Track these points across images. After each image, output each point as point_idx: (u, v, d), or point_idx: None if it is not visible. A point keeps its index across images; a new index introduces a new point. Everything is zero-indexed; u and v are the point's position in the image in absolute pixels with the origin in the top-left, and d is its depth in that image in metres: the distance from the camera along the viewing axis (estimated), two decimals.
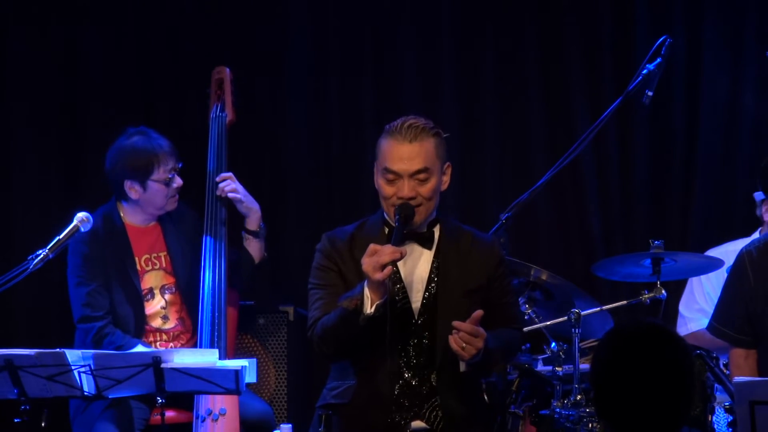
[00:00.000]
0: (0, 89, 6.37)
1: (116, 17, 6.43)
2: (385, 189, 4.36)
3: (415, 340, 4.35)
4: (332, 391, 4.43)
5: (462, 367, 4.28)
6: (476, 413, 4.40)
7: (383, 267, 4.11)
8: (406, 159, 4.32)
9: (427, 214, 4.39)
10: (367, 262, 4.13)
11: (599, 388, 3.08)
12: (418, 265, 4.40)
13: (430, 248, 4.41)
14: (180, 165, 5.32)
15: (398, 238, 4.24)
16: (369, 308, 4.15)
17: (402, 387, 4.32)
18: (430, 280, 4.38)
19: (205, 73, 5.78)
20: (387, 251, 4.13)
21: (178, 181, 5.29)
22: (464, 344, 4.16)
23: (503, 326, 4.46)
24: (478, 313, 4.20)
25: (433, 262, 4.40)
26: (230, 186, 5.37)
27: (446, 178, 4.44)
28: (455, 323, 4.18)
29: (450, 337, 4.18)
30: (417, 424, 4.33)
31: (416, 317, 4.36)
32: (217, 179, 5.40)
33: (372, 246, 4.17)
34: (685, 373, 3.06)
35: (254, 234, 5.43)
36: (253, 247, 5.45)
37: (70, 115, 6.41)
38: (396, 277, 4.35)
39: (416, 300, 4.37)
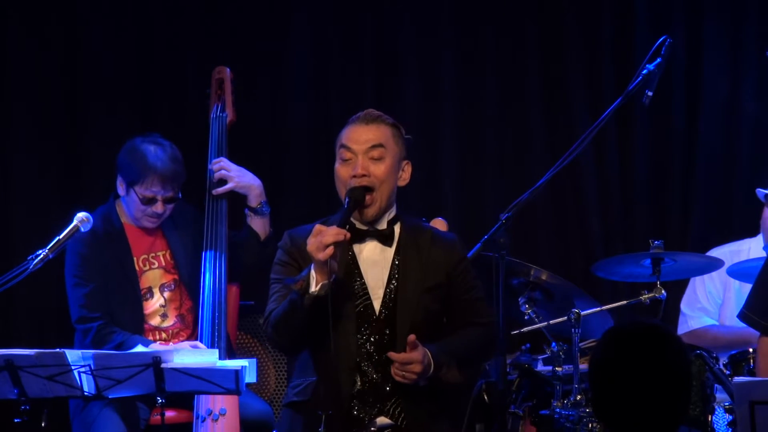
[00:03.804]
0: (0, 88, 6.37)
1: (117, 17, 6.43)
2: (340, 171, 4.43)
3: (376, 337, 4.37)
4: (294, 389, 4.49)
5: (421, 381, 4.29)
6: (440, 410, 4.41)
7: (327, 247, 4.15)
8: (361, 136, 4.41)
9: (382, 204, 4.41)
10: (311, 242, 4.20)
11: (597, 389, 3.09)
12: (378, 262, 4.43)
13: (390, 245, 4.45)
14: (179, 195, 5.27)
15: (344, 220, 4.28)
16: (314, 287, 4.19)
17: (365, 383, 4.34)
18: (390, 277, 4.42)
19: (205, 73, 5.78)
20: (331, 232, 4.19)
21: (158, 208, 5.24)
22: (402, 373, 4.23)
23: (468, 323, 4.47)
24: (411, 337, 4.24)
25: (393, 259, 4.44)
26: (220, 173, 5.40)
27: (405, 176, 4.48)
28: (389, 354, 4.26)
29: (391, 369, 4.26)
30: (381, 420, 4.35)
31: (377, 314, 4.39)
32: (210, 165, 5.43)
33: (317, 227, 4.24)
34: (682, 373, 3.06)
35: (254, 211, 5.45)
36: (256, 224, 5.46)
37: (70, 115, 6.41)
38: (356, 273, 4.40)
39: (377, 297, 4.40)
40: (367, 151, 4.39)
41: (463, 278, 4.49)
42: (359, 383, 4.34)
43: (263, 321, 4.44)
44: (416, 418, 4.34)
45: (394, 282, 4.41)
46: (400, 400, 4.34)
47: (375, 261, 4.43)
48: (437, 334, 4.43)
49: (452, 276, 4.47)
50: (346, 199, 4.35)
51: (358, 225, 4.43)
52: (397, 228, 4.47)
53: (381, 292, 4.40)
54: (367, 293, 4.40)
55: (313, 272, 4.22)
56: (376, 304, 4.40)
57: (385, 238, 4.45)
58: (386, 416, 4.34)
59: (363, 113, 4.46)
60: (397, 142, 4.45)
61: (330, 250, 4.16)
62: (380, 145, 4.40)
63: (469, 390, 5.05)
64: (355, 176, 4.37)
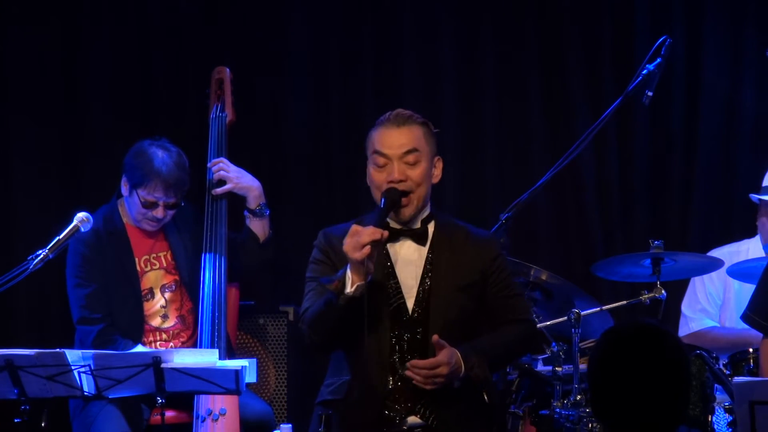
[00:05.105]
0: (0, 89, 6.37)
1: (117, 17, 6.43)
2: (376, 176, 4.41)
3: (409, 336, 4.37)
4: (328, 388, 4.47)
5: (455, 384, 4.30)
6: (471, 410, 4.41)
7: (363, 247, 4.15)
8: (395, 141, 4.39)
9: (418, 204, 4.41)
10: (348, 242, 4.19)
11: (595, 389, 3.09)
12: (412, 261, 4.43)
13: (424, 244, 4.45)
14: (181, 203, 5.28)
15: (381, 220, 4.28)
16: (349, 288, 4.19)
17: (397, 382, 4.34)
18: (423, 276, 4.41)
19: (205, 73, 5.78)
20: (367, 231, 4.18)
21: (159, 212, 5.24)
22: (427, 381, 4.23)
23: (506, 320, 4.47)
24: (434, 337, 4.25)
25: (426, 257, 4.43)
26: (220, 173, 5.41)
27: (437, 172, 4.48)
28: (412, 362, 4.25)
29: (409, 374, 4.25)
30: (412, 419, 4.35)
31: (410, 313, 4.39)
32: (209, 165, 5.42)
33: (354, 227, 4.23)
34: (680, 373, 3.05)
35: (253, 213, 5.45)
36: (255, 226, 5.46)
37: (70, 115, 6.41)
38: (390, 272, 4.39)
39: (410, 296, 4.40)
40: (402, 156, 4.38)
41: (498, 275, 4.48)
42: (391, 382, 4.34)
43: (298, 318, 4.46)
44: (447, 418, 4.34)
45: (427, 281, 4.41)
46: (431, 399, 4.33)
47: (408, 260, 4.43)
48: (472, 332, 4.43)
49: (487, 274, 4.46)
50: (383, 200, 4.34)
51: (392, 224, 4.43)
52: (431, 227, 4.47)
53: (414, 291, 4.40)
54: (401, 292, 4.40)
55: (349, 273, 4.22)
56: (409, 303, 4.39)
57: (418, 237, 4.44)
58: (417, 416, 4.35)
59: (393, 114, 4.44)
60: (428, 142, 4.45)
61: (367, 249, 4.16)
62: (415, 150, 4.39)
63: (504, 391, 5.07)
64: (392, 181, 4.36)
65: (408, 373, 4.25)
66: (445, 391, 4.30)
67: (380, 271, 4.36)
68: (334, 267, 4.42)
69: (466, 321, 4.43)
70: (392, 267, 4.41)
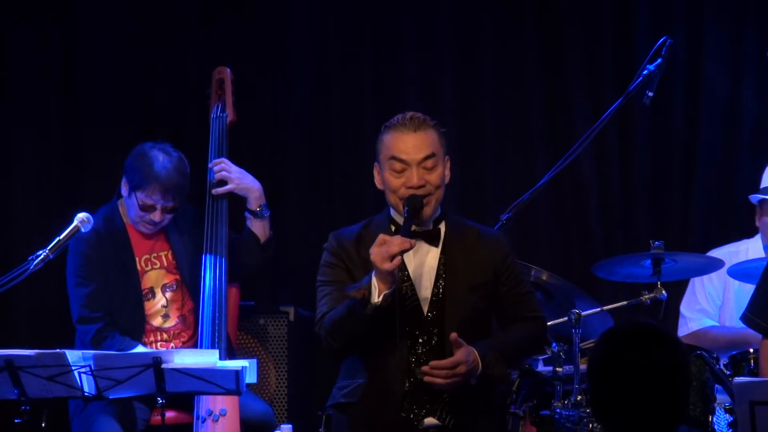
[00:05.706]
0: (0, 89, 6.37)
1: (117, 17, 6.43)
2: (393, 182, 4.39)
3: (425, 337, 4.38)
4: (342, 390, 4.47)
5: (472, 380, 4.31)
6: (487, 411, 4.42)
7: (392, 257, 4.14)
8: (412, 147, 4.38)
9: (436, 206, 4.43)
10: (376, 252, 4.17)
11: (595, 389, 3.09)
12: (425, 262, 4.43)
13: (436, 245, 4.45)
14: (179, 207, 5.28)
15: (407, 230, 4.27)
16: (376, 297, 4.18)
17: (413, 384, 4.34)
18: (437, 277, 4.42)
19: (205, 74, 5.78)
20: (396, 241, 4.17)
21: (156, 216, 5.24)
22: (447, 381, 4.24)
23: (518, 318, 4.49)
24: (452, 335, 4.25)
25: (440, 258, 4.44)
26: (221, 174, 5.40)
27: (447, 172, 4.49)
28: (432, 363, 4.24)
29: (428, 380, 4.25)
30: (429, 420, 4.36)
31: (425, 314, 4.39)
32: (210, 165, 5.42)
33: (381, 236, 4.22)
34: (680, 373, 3.05)
35: (254, 214, 5.45)
36: (256, 227, 5.46)
37: (70, 115, 6.41)
38: (404, 274, 4.39)
39: (424, 297, 4.40)
40: (420, 161, 4.38)
41: (509, 274, 4.50)
42: (407, 384, 4.35)
43: (315, 323, 4.43)
44: (463, 418, 4.35)
45: (441, 282, 4.41)
46: (447, 400, 4.34)
47: (421, 262, 4.43)
48: (485, 331, 4.45)
49: (499, 273, 4.47)
50: (405, 209, 4.33)
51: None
52: (442, 227, 4.47)
53: (428, 293, 4.40)
54: (415, 294, 4.40)
55: (374, 281, 4.20)
56: (424, 305, 4.40)
57: (431, 238, 4.45)
58: (433, 417, 4.36)
59: (407, 118, 4.42)
60: (441, 144, 4.45)
61: (397, 260, 4.16)
62: (433, 155, 4.40)
63: (504, 391, 5.07)
64: (410, 187, 4.36)
65: (427, 378, 4.25)
66: (461, 391, 4.31)
67: None
68: (347, 270, 4.42)
69: (479, 320, 4.46)
70: (406, 268, 4.41)
